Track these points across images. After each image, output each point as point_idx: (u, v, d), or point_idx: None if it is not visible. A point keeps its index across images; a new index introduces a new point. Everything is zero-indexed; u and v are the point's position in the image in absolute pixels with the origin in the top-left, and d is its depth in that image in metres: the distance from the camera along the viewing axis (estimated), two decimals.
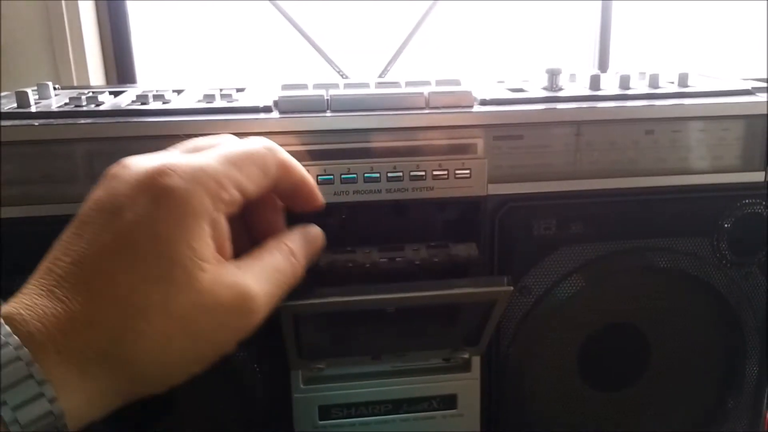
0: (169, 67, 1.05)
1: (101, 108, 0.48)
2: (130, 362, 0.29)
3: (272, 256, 0.36)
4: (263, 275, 0.34)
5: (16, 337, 0.27)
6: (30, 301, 0.29)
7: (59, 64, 0.88)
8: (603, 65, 1.03)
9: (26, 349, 0.27)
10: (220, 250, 0.33)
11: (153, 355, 0.30)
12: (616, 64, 1.02)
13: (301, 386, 0.54)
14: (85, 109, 0.48)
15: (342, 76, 0.84)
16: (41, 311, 0.28)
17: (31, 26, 0.86)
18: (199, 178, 0.31)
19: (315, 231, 0.41)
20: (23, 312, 0.28)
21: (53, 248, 0.31)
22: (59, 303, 0.29)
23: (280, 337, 0.48)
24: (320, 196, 0.41)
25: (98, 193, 0.32)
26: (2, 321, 0.27)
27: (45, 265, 0.31)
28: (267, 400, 0.53)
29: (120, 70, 1.00)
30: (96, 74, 0.95)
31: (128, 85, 0.68)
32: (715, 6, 1.04)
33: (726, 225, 0.54)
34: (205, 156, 0.33)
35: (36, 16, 0.86)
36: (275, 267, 0.36)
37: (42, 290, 0.29)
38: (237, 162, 0.34)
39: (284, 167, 0.37)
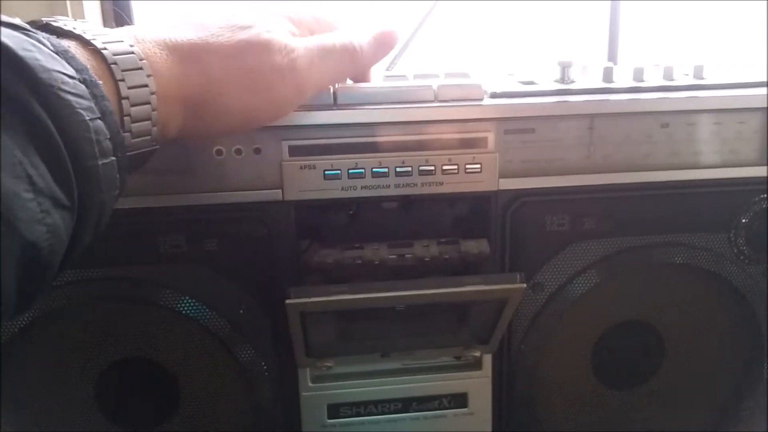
0: None
1: None
2: (204, 70, 0.38)
3: (332, 38, 0.44)
4: (317, 46, 0.43)
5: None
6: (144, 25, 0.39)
7: None
8: (612, 60, 1.02)
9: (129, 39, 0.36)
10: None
11: (219, 84, 0.39)
12: (625, 59, 1.01)
13: (309, 384, 0.53)
14: None
15: None
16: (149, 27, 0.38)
17: None
18: (281, 23, 0.42)
19: (387, 31, 0.47)
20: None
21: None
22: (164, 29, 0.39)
23: (288, 335, 0.47)
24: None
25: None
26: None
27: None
28: (274, 398, 0.52)
29: None
30: None
31: None
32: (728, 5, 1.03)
33: (744, 220, 0.53)
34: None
35: (39, 16, 0.86)
36: (332, 46, 0.43)
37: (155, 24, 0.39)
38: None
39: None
